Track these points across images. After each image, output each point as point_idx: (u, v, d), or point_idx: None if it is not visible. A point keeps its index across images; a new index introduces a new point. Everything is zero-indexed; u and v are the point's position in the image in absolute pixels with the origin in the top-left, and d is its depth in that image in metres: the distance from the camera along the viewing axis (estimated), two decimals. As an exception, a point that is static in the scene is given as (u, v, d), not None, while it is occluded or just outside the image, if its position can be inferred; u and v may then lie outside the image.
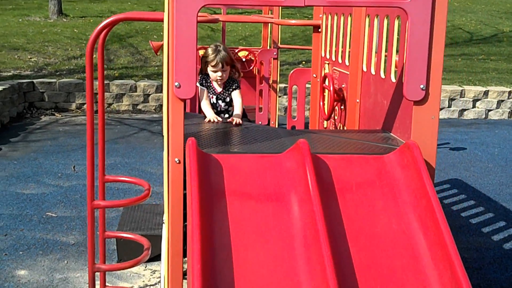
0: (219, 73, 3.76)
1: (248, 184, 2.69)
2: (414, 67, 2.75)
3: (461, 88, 10.24)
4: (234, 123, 3.38)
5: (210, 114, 3.57)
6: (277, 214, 2.58)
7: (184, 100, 2.73)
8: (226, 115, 3.90)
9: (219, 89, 3.86)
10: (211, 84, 3.86)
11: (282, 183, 2.69)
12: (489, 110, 10.29)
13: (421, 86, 2.77)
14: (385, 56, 3.45)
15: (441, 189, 6.15)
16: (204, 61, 3.81)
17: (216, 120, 3.48)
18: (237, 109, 3.77)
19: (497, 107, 10.29)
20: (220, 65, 3.72)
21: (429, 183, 2.55)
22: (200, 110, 5.17)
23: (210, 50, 3.76)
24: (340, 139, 3.20)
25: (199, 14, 3.65)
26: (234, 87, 3.85)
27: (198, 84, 3.87)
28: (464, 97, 10.26)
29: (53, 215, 5.13)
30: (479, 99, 10.27)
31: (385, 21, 3.47)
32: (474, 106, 10.29)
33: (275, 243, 2.47)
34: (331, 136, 3.30)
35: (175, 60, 2.67)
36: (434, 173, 2.85)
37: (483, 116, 10.24)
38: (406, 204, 2.62)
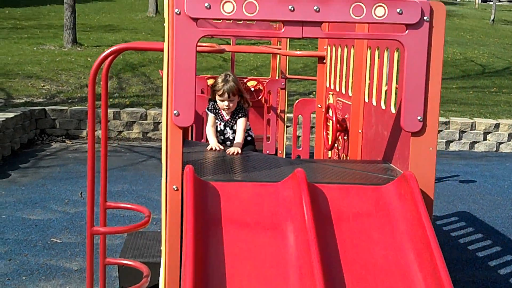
0: (226, 103, 3.74)
1: (245, 212, 2.71)
2: (411, 99, 2.78)
3: (472, 121, 10.23)
4: (230, 153, 3.41)
5: (212, 142, 3.62)
6: (273, 243, 2.59)
7: (182, 128, 2.77)
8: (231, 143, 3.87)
9: (226, 117, 3.85)
10: (219, 111, 3.86)
11: (278, 212, 2.70)
12: (500, 143, 10.25)
13: (418, 118, 2.79)
14: (386, 87, 3.48)
15: (449, 222, 6.11)
16: (212, 90, 3.81)
17: (217, 148, 3.51)
18: (238, 137, 3.74)
19: (508, 140, 10.25)
20: (226, 95, 3.70)
21: (425, 214, 2.55)
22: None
23: (219, 80, 3.77)
24: (339, 169, 3.22)
25: (207, 44, 3.73)
26: (240, 115, 3.81)
27: (206, 110, 3.90)
28: (475, 130, 10.24)
29: (58, 241, 5.15)
30: (490, 132, 10.25)
31: (385, 53, 3.50)
32: (485, 139, 10.26)
33: (270, 272, 2.48)
34: (331, 166, 3.32)
35: (174, 89, 2.71)
36: (432, 204, 2.86)
37: (494, 149, 10.20)
38: (403, 235, 2.62)
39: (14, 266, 4.61)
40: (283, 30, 2.72)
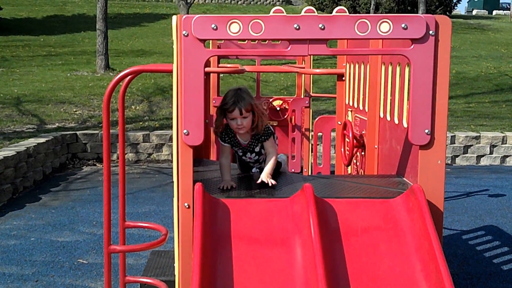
0: (238, 121, 3.14)
1: (254, 228, 2.75)
2: (418, 112, 2.81)
3: (502, 135, 10.10)
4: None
5: (225, 178, 3.15)
6: (281, 257, 2.62)
7: (192, 147, 2.82)
8: (258, 166, 3.41)
9: (244, 142, 3.28)
10: (235, 138, 3.27)
11: (287, 227, 2.74)
12: (533, 157, 10.10)
13: (426, 131, 2.81)
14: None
15: (475, 236, 6.05)
16: (220, 109, 3.19)
17: (230, 187, 3.07)
18: (267, 167, 3.18)
19: (541, 153, 10.10)
20: (237, 111, 3.12)
21: (431, 226, 2.56)
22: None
23: (228, 95, 3.17)
24: (351, 183, 3.24)
25: (231, 65, 3.81)
26: (264, 137, 3.24)
27: (219, 141, 3.31)
28: (506, 144, 10.11)
29: (84, 262, 5.25)
30: (522, 145, 10.12)
31: (398, 69, 3.53)
32: (516, 153, 10.13)
33: (277, 285, 2.51)
34: (343, 181, 3.34)
35: (184, 108, 2.78)
36: (442, 216, 2.86)
37: (526, 163, 10.06)
38: (410, 247, 2.64)
39: (41, 287, 4.71)
40: (289, 48, 2.77)
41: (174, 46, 2.80)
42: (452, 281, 2.36)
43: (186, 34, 2.72)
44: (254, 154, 3.35)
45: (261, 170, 3.32)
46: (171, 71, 2.90)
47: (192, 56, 2.74)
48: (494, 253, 5.54)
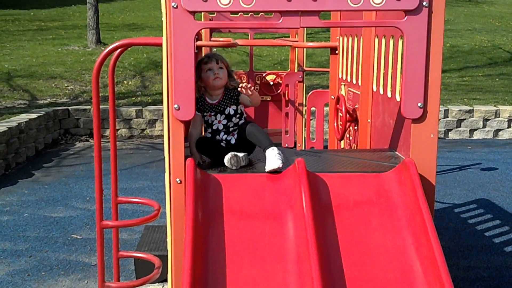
0: (215, 70, 3.07)
1: (246, 202, 2.74)
2: (411, 85, 2.78)
3: (496, 108, 10.10)
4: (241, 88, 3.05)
5: (193, 150, 3.08)
6: (273, 232, 2.62)
7: (184, 122, 2.80)
8: (227, 138, 3.13)
9: (213, 101, 3.11)
10: (204, 100, 3.11)
11: (279, 201, 2.73)
12: (525, 130, 10.12)
13: (419, 104, 2.79)
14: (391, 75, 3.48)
15: (467, 209, 6.07)
16: (198, 68, 3.08)
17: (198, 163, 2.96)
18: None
19: (534, 126, 10.12)
20: (214, 61, 3.10)
21: (422, 199, 2.55)
22: None
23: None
24: (343, 158, 3.23)
25: (223, 39, 3.77)
26: (236, 94, 3.13)
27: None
28: (499, 117, 10.11)
29: (78, 237, 5.25)
30: (515, 119, 10.13)
31: (391, 42, 3.50)
32: (509, 126, 10.12)
33: (269, 259, 2.51)
34: (335, 155, 3.33)
35: (174, 83, 2.75)
36: (434, 190, 2.85)
37: (519, 136, 10.08)
38: (402, 221, 2.63)
39: (34, 262, 4.71)
40: (280, 20, 2.73)
41: (164, 19, 2.76)
42: (443, 254, 2.36)
43: (175, 6, 2.67)
44: (223, 117, 3.10)
45: (229, 145, 3.11)
46: (161, 45, 2.85)
47: (182, 29, 2.69)
48: (486, 226, 5.57)
